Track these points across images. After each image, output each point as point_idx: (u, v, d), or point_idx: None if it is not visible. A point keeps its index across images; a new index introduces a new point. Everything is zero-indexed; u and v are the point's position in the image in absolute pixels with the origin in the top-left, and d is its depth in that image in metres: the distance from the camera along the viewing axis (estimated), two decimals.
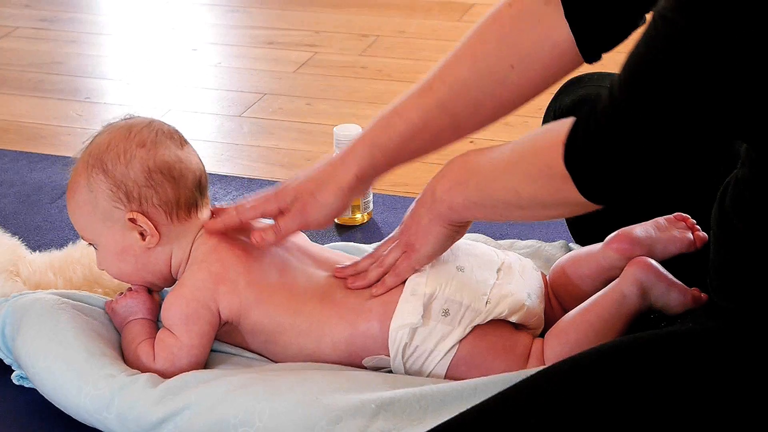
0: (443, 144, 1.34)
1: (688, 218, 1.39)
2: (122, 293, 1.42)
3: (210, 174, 2.02)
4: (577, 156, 1.12)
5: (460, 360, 1.32)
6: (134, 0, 2.98)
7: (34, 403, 1.40)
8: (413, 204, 1.36)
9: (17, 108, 2.36)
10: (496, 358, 1.32)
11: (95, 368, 1.33)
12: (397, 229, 1.40)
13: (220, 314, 1.36)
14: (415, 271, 1.35)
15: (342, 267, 1.40)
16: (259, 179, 2.01)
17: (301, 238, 1.46)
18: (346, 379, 1.29)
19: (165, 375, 1.34)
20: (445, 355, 1.31)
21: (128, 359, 1.37)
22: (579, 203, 1.15)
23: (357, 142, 1.35)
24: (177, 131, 1.43)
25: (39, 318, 1.38)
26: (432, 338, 1.32)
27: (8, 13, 2.87)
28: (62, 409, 1.36)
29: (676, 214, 1.40)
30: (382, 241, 1.44)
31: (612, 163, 1.10)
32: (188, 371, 1.34)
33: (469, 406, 1.15)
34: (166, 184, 1.37)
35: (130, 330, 1.39)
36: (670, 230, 1.38)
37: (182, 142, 1.42)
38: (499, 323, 1.33)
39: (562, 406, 1.09)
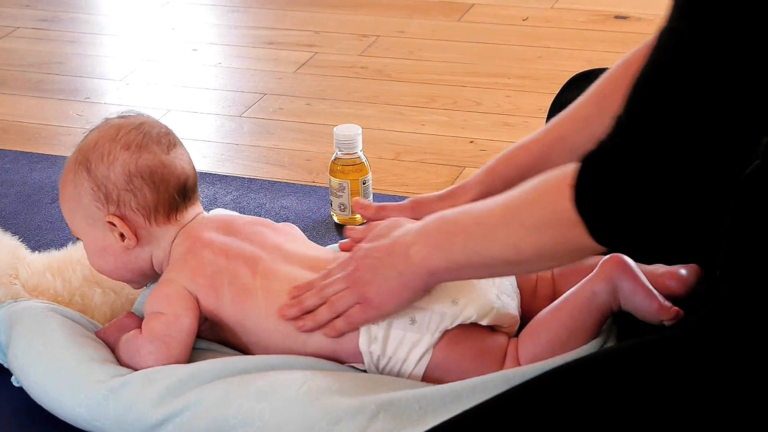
0: None
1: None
2: (110, 323, 1.43)
3: (210, 174, 2.04)
4: (588, 195, 1.04)
5: (435, 367, 1.30)
6: (134, 0, 2.98)
7: (34, 403, 1.40)
8: (366, 255, 1.28)
9: (17, 108, 2.35)
10: (472, 362, 1.30)
11: (84, 375, 1.33)
12: (343, 261, 1.32)
13: (200, 304, 1.36)
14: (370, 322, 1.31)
15: (288, 305, 1.34)
16: (259, 179, 2.01)
17: (283, 234, 1.45)
18: (346, 380, 1.28)
19: (160, 353, 1.33)
20: (418, 362, 1.30)
21: (124, 361, 1.36)
22: (588, 249, 1.08)
23: (480, 172, 1.37)
24: (167, 134, 1.42)
25: (29, 330, 1.39)
26: (403, 347, 1.30)
27: (8, 13, 2.87)
28: (62, 419, 1.36)
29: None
30: (327, 269, 1.34)
31: (626, 197, 1.01)
32: (186, 343, 1.34)
33: (468, 407, 1.15)
34: (145, 188, 1.38)
35: (122, 340, 1.38)
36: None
37: (170, 146, 1.41)
38: (472, 327, 1.31)
39: (562, 406, 1.09)
